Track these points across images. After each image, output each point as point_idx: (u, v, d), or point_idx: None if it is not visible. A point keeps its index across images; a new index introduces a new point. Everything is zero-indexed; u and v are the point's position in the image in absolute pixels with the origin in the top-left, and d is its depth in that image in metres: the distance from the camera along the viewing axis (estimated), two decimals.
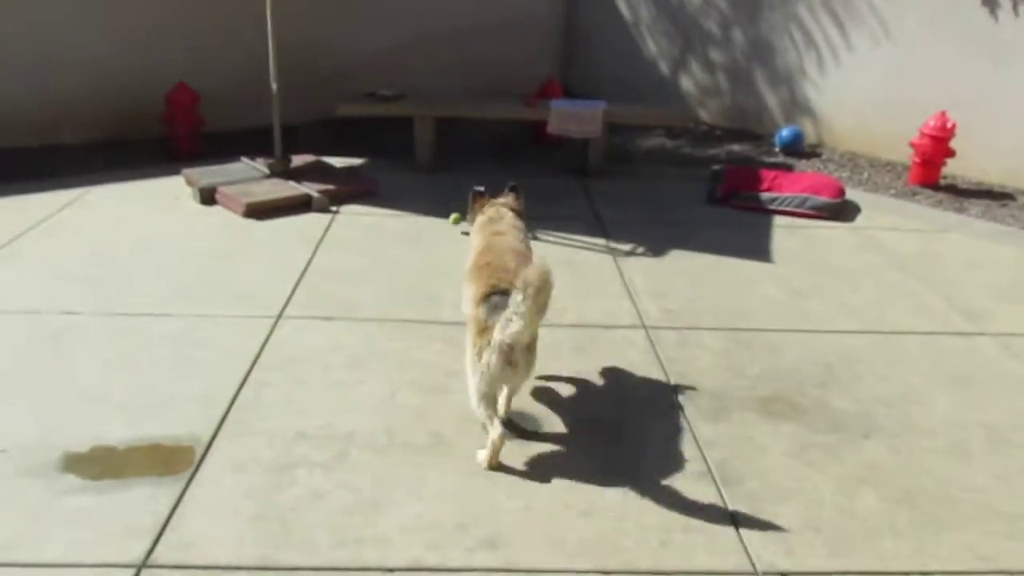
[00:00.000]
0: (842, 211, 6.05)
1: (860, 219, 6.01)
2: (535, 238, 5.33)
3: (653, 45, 9.17)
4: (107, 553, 2.56)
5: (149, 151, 6.83)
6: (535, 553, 2.64)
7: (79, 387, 3.45)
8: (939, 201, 6.52)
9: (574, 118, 6.49)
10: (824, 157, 7.62)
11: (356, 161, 6.76)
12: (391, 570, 2.54)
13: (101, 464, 2.98)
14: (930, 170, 6.77)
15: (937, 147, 6.65)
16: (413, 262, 4.76)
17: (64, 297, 4.23)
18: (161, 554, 2.56)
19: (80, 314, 4.07)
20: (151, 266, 4.67)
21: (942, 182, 6.84)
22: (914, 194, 6.66)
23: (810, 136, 7.96)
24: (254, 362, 3.69)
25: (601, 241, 5.35)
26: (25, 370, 3.57)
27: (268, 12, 5.70)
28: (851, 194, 6.38)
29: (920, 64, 7.11)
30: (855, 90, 7.62)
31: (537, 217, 5.66)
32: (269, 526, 2.70)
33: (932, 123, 6.63)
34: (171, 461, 3.00)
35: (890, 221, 5.97)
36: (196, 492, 2.85)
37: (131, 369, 3.61)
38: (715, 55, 8.66)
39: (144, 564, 2.52)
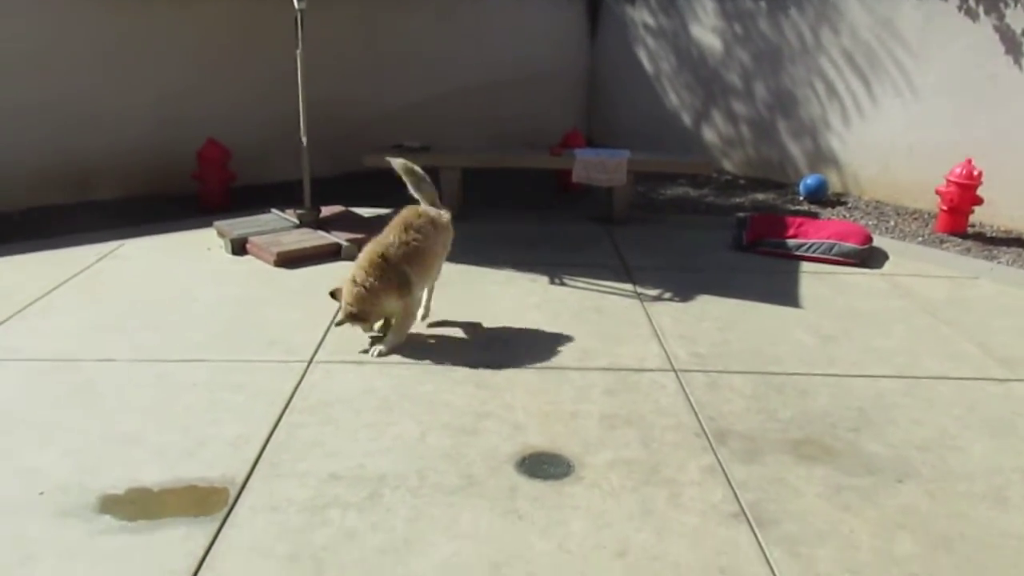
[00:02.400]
0: (870, 258, 6.05)
1: (888, 266, 6.00)
2: (562, 284, 5.38)
3: (675, 97, 9.31)
4: None
5: (181, 205, 6.97)
6: None
7: (115, 431, 3.49)
8: (967, 248, 6.50)
9: (599, 167, 6.58)
10: (849, 205, 7.64)
11: (383, 211, 6.86)
12: None
13: (137, 505, 3.00)
14: (958, 218, 6.76)
15: (964, 195, 6.65)
16: (440, 309, 4.80)
17: (100, 345, 4.31)
18: None
19: (116, 361, 4.14)
20: (184, 314, 4.74)
21: (970, 230, 6.83)
22: (942, 242, 6.64)
23: (835, 185, 8.00)
24: (286, 405, 3.72)
25: (628, 287, 5.38)
26: (62, 415, 3.62)
27: (299, 68, 5.86)
28: (878, 241, 6.39)
29: (944, 112, 7.15)
30: (879, 139, 7.66)
31: (564, 264, 5.73)
32: (303, 566, 2.70)
33: (959, 171, 6.64)
34: (206, 502, 3.02)
35: (918, 268, 5.96)
36: (230, 532, 2.86)
37: (166, 413, 3.65)
38: (737, 107, 8.76)
39: None
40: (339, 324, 4.30)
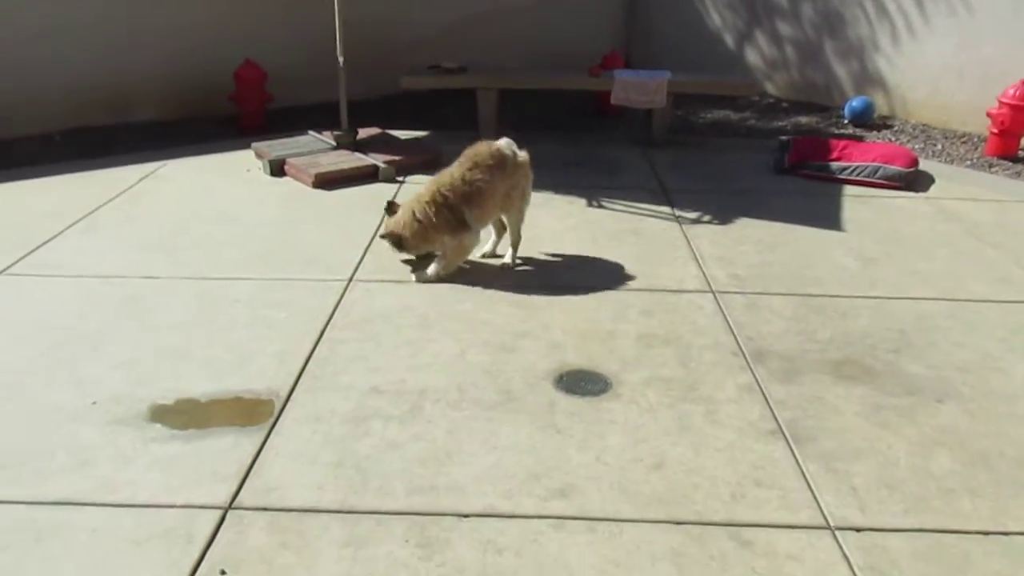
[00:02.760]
0: (915, 181, 5.92)
1: (934, 189, 5.87)
2: (600, 206, 5.35)
3: (718, 17, 9.04)
4: (195, 496, 2.66)
5: (220, 127, 6.99)
6: (607, 503, 2.67)
7: (162, 345, 3.58)
8: (1017, 172, 6.32)
9: (639, 88, 6.46)
10: (896, 128, 7.44)
11: (420, 133, 6.83)
12: (466, 515, 2.60)
13: (186, 415, 3.10)
14: (1009, 140, 6.55)
15: (1017, 116, 6.44)
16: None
17: (144, 263, 4.39)
18: (246, 498, 2.66)
19: (160, 278, 4.22)
20: (225, 233, 4.80)
21: (1021, 153, 6.63)
22: (991, 165, 6.47)
23: (881, 107, 7.78)
24: (327, 322, 3.78)
25: (666, 210, 5.33)
26: (111, 330, 3.71)
27: None
28: (925, 165, 6.24)
29: (999, 32, 6.87)
30: (930, 60, 7.41)
31: (601, 187, 5.69)
32: (347, 473, 2.78)
33: (1012, 92, 6.42)
34: (252, 413, 3.11)
35: (966, 191, 5.82)
36: (276, 441, 2.94)
37: (210, 328, 3.73)
38: (782, 27, 8.49)
39: (230, 507, 2.62)
40: (383, 237, 4.29)
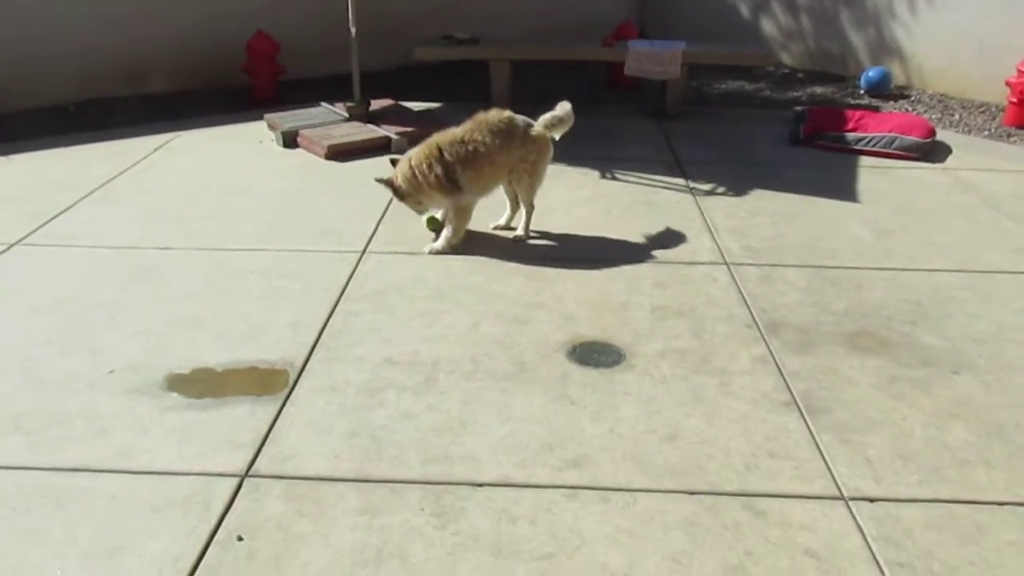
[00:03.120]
0: (932, 152, 5.86)
1: (951, 160, 5.81)
2: (613, 178, 5.32)
3: None
4: (212, 464, 2.69)
5: (232, 98, 6.99)
6: (621, 473, 2.68)
7: (178, 315, 3.60)
8: None
9: (653, 58, 6.39)
10: (913, 98, 7.35)
11: (432, 105, 6.80)
12: (480, 485, 2.61)
13: (202, 384, 3.12)
14: None
15: None
16: (490, 200, 4.78)
17: (158, 233, 4.40)
18: (262, 466, 2.69)
19: (175, 249, 4.23)
20: (239, 205, 4.80)
21: None
22: (1009, 135, 6.39)
23: (898, 77, 7.68)
24: (341, 293, 3.79)
25: (680, 181, 5.29)
26: (127, 300, 3.73)
27: None
28: (942, 135, 6.16)
29: (1018, 0, 6.76)
30: (948, 29, 7.30)
31: (615, 158, 5.66)
32: (362, 442, 2.80)
33: None
34: (267, 383, 3.13)
35: (983, 162, 5.75)
36: (292, 411, 2.96)
37: (225, 299, 3.74)
38: None
39: (247, 475, 2.65)
40: (378, 180, 4.22)
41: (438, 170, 4.10)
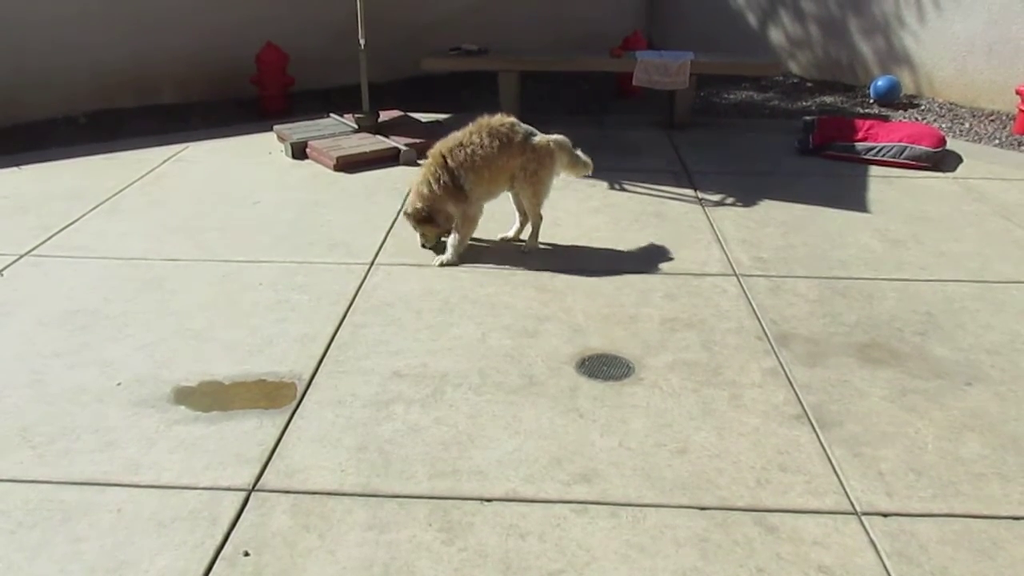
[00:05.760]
0: (942, 161, 5.82)
1: (962, 169, 5.77)
2: (622, 189, 5.31)
3: None
4: (219, 478, 2.68)
5: (242, 110, 7.01)
6: (631, 488, 2.65)
7: (185, 327, 3.60)
8: None
9: (661, 69, 6.39)
10: (922, 107, 7.32)
11: (441, 116, 6.80)
12: (488, 500, 2.59)
13: (209, 397, 3.11)
14: None
15: None
16: (499, 213, 4.78)
17: (167, 245, 4.40)
18: (269, 480, 2.67)
19: (183, 261, 4.23)
20: (247, 216, 4.81)
21: None
22: (1020, 144, 6.34)
23: (907, 86, 7.65)
24: (349, 306, 3.78)
25: (689, 192, 5.28)
26: (134, 312, 3.73)
27: None
28: (952, 144, 6.13)
29: None
30: (957, 37, 7.27)
31: (624, 169, 5.64)
32: (369, 456, 2.78)
33: None
34: (275, 396, 3.12)
35: (994, 171, 5.72)
36: (299, 424, 2.95)
37: (233, 311, 3.74)
38: (806, 5, 8.37)
39: (253, 489, 2.63)
40: (405, 214, 4.33)
41: (445, 178, 4.13)
